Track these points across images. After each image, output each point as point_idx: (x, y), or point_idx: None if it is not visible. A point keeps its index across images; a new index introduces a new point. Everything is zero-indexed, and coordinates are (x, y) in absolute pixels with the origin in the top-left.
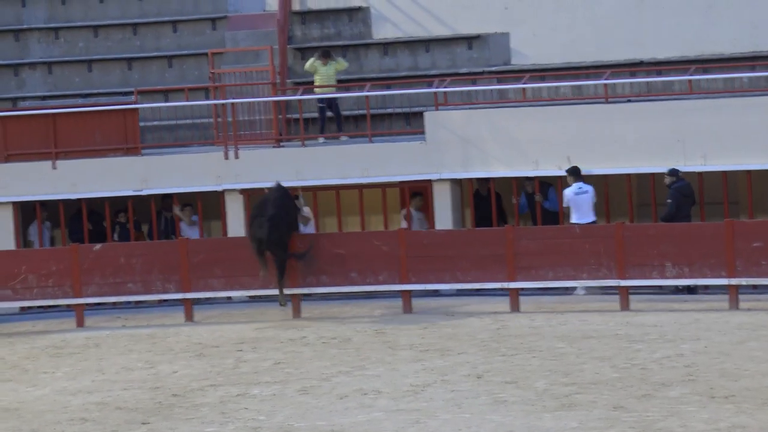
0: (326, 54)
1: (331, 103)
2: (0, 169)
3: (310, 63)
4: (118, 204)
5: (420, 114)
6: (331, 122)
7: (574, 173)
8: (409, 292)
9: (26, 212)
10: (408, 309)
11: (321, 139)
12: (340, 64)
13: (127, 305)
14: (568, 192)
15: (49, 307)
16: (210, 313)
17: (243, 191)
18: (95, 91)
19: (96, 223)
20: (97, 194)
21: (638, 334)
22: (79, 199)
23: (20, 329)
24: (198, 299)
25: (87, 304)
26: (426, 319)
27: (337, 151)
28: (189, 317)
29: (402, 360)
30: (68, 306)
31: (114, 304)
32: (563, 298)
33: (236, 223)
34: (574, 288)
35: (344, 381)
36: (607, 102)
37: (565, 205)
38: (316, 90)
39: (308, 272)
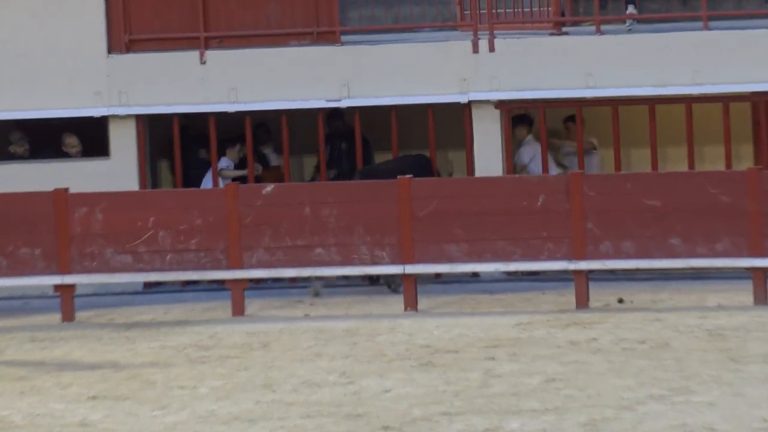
0: None
1: None
2: (128, 62)
3: None
4: (306, 119)
5: None
6: None
7: None
8: (765, 270)
9: (157, 130)
10: (763, 298)
11: (627, 23)
12: None
13: (312, 282)
14: None
15: (191, 283)
16: (444, 299)
17: (501, 104)
18: None
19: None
20: (269, 105)
21: None
22: (241, 113)
23: (144, 317)
24: (424, 275)
25: (250, 280)
26: None
27: (653, 42)
28: (411, 304)
29: (751, 380)
30: (220, 282)
31: (292, 279)
32: None
33: (490, 154)
34: None
35: (657, 411)
36: None
37: None
38: None
39: None
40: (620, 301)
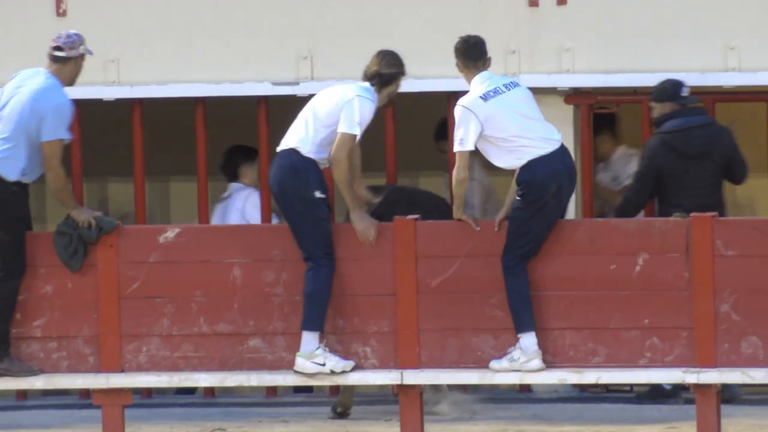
0: None
1: None
2: None
3: None
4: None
5: None
6: None
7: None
8: None
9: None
10: None
11: None
12: None
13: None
14: None
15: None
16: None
17: (577, 96)
18: None
19: None
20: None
21: None
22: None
23: None
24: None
25: (135, 392)
26: None
27: None
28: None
29: None
30: (82, 395)
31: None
32: None
33: None
34: None
35: None
36: None
37: None
38: None
39: None
40: None
